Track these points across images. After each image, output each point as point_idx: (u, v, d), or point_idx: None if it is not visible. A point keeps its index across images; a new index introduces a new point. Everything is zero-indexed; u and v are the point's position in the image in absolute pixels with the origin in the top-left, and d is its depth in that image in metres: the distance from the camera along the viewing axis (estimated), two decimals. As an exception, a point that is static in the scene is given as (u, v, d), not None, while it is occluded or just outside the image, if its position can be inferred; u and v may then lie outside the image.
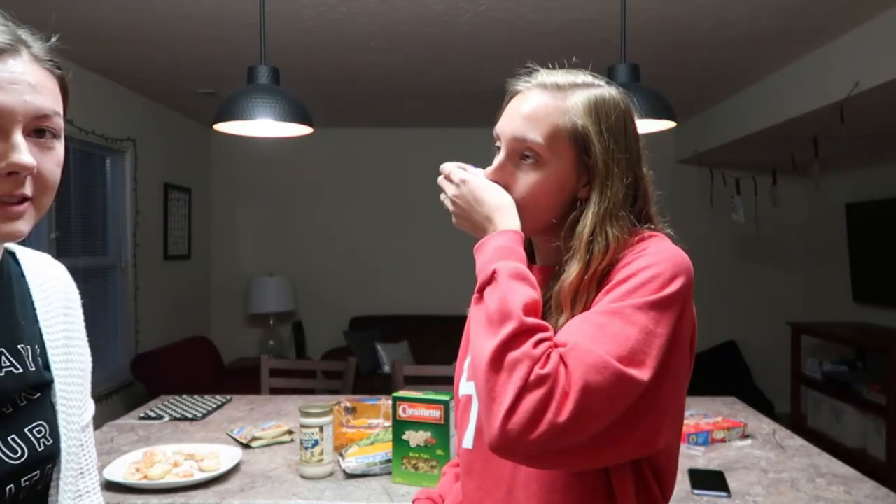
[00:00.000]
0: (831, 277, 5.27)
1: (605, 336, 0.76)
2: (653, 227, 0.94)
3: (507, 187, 0.93)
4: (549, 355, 0.76)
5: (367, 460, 1.70)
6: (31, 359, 0.79)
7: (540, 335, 0.78)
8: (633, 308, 0.79)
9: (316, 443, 1.67)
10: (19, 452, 0.74)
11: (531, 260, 1.03)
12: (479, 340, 0.80)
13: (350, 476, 1.69)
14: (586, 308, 0.85)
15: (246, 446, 1.93)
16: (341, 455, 1.74)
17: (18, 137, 0.67)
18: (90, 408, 0.93)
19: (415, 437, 1.63)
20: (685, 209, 5.15)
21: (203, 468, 1.66)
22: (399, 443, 1.65)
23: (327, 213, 5.57)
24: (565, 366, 0.75)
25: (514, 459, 0.79)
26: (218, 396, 2.55)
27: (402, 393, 1.68)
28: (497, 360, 0.76)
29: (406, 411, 1.64)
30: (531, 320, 0.79)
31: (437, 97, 4.43)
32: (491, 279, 0.85)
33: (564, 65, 1.00)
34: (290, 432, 2.01)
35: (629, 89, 2.06)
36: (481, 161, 1.03)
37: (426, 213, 5.51)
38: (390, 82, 4.03)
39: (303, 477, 1.69)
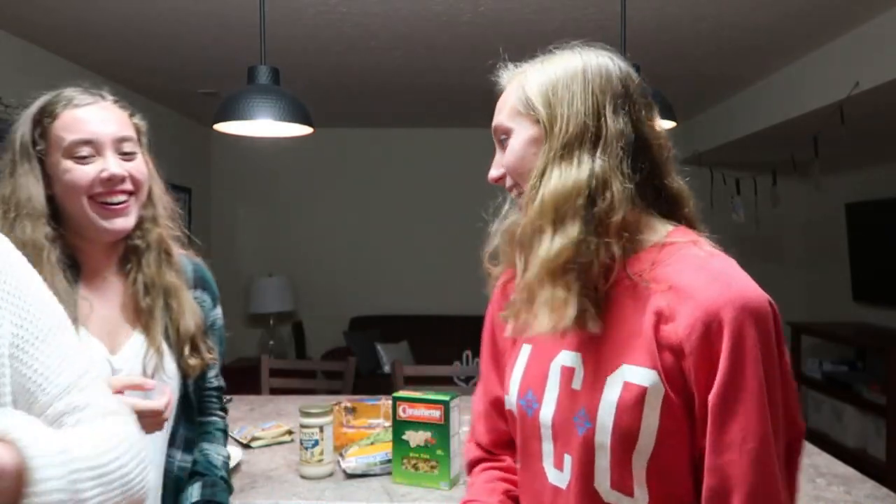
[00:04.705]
0: (831, 277, 5.27)
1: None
2: (683, 222, 0.96)
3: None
4: None
5: (367, 460, 1.70)
6: None
7: None
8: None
9: (316, 443, 1.67)
10: None
11: None
12: None
13: (350, 476, 1.69)
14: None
15: (246, 446, 1.93)
16: (341, 455, 1.74)
17: None
18: None
19: (415, 437, 1.63)
20: (685, 209, 5.15)
21: (203, 468, 1.66)
22: (399, 443, 1.65)
23: (327, 213, 5.57)
24: None
25: None
26: (218, 396, 2.54)
27: (402, 393, 1.68)
28: None
29: (406, 411, 1.64)
30: None
31: (438, 97, 4.43)
32: None
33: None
34: (290, 432, 2.01)
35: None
36: (484, 162, 1.03)
37: (426, 212, 5.52)
38: (390, 82, 4.03)
39: (303, 477, 1.69)
